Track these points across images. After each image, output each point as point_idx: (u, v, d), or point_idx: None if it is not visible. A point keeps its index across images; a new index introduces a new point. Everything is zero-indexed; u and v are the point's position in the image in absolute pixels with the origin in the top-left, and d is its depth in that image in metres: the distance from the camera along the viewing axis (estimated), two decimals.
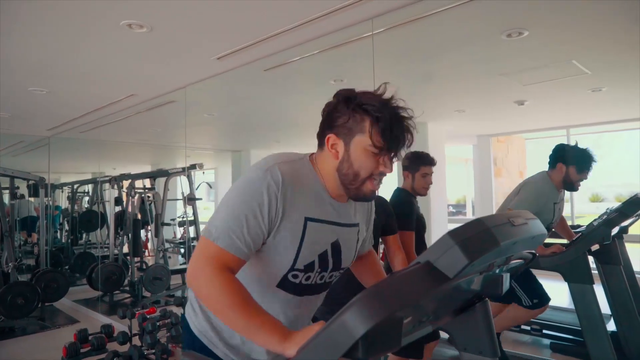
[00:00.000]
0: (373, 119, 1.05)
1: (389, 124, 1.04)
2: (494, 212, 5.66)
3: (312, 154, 1.18)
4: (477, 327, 0.93)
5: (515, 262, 1.00)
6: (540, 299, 2.76)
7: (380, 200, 2.32)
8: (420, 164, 2.54)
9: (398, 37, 2.83)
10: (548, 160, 2.77)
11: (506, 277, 0.98)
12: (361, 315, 0.61)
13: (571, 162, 2.65)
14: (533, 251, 1.03)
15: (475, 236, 0.68)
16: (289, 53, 2.99)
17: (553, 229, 2.91)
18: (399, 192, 2.62)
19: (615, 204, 2.69)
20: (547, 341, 3.43)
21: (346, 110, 1.07)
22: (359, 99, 1.06)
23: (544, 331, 3.51)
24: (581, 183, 2.70)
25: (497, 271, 0.94)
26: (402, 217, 2.47)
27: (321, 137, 1.13)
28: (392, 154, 1.09)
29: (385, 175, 1.11)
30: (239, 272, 1.07)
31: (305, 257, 1.10)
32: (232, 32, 2.71)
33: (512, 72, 3.66)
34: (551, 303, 2.78)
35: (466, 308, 0.94)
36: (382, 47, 2.81)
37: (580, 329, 2.47)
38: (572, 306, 2.54)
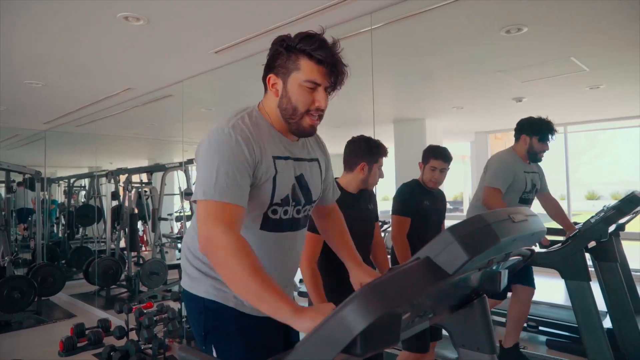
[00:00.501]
0: (307, 55, 1.14)
1: (321, 59, 1.13)
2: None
3: (259, 102, 1.28)
4: (475, 324, 0.93)
5: (513, 258, 1.00)
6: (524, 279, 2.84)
7: (371, 191, 2.34)
8: (430, 157, 2.54)
9: (397, 32, 2.82)
10: (514, 134, 2.90)
11: (504, 274, 0.97)
12: (360, 311, 0.61)
13: (533, 133, 2.77)
14: (532, 248, 1.03)
15: (476, 232, 0.68)
16: None
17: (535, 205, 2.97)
18: (409, 181, 2.63)
19: (612, 202, 2.69)
20: (543, 338, 3.45)
21: (282, 51, 1.17)
22: (293, 40, 1.16)
23: (540, 328, 3.52)
24: (544, 154, 2.82)
25: (496, 267, 0.94)
26: (394, 200, 2.53)
27: (264, 80, 1.24)
28: (326, 88, 1.18)
29: (322, 110, 1.20)
30: None
31: (280, 192, 1.21)
32: (229, 26, 2.69)
33: (510, 68, 3.66)
34: (547, 300, 2.80)
35: (464, 304, 0.94)
36: (380, 42, 2.80)
37: (576, 325, 2.48)
38: (568, 303, 2.54)
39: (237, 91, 4.42)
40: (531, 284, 2.92)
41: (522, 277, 2.87)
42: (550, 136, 2.77)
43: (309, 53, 1.14)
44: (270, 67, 1.21)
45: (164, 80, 3.87)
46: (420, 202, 2.51)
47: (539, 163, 2.95)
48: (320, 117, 1.22)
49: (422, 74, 3.93)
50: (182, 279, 1.33)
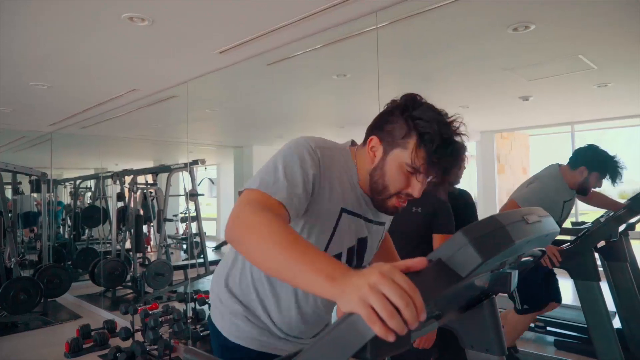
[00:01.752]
0: (419, 138, 0.98)
1: (435, 150, 0.97)
2: (497, 208, 5.64)
3: (355, 145, 1.13)
4: (484, 325, 0.91)
5: (524, 259, 0.99)
6: (531, 306, 2.73)
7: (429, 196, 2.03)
8: None
9: (402, 31, 2.79)
10: (571, 156, 2.64)
11: (514, 275, 0.96)
12: None
13: (597, 169, 2.53)
14: (543, 248, 1.01)
15: (489, 234, 0.66)
16: (292, 47, 2.96)
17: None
18: (466, 193, 2.41)
19: (620, 201, 2.66)
20: (551, 338, 3.42)
21: (399, 118, 1.01)
22: (415, 111, 1.00)
23: (548, 328, 3.49)
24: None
25: (506, 268, 0.92)
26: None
27: (367, 134, 1.08)
28: (428, 178, 1.02)
29: (411, 197, 1.04)
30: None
31: (334, 248, 1.07)
32: (234, 25, 2.68)
33: (517, 67, 3.62)
34: None
35: (473, 305, 0.92)
36: (386, 41, 2.78)
37: (584, 326, 2.46)
38: (575, 303, 2.52)
39: (242, 92, 4.41)
40: (560, 300, 2.86)
41: (556, 293, 2.79)
42: (613, 179, 2.51)
43: (422, 135, 0.97)
44: (378, 128, 1.04)
45: (168, 81, 3.86)
46: None
47: None
48: (406, 201, 1.07)
49: (428, 73, 3.90)
50: (211, 306, 1.25)
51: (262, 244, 0.79)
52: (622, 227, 2.50)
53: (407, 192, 1.03)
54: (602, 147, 2.59)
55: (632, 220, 2.55)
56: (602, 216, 2.55)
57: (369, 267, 0.67)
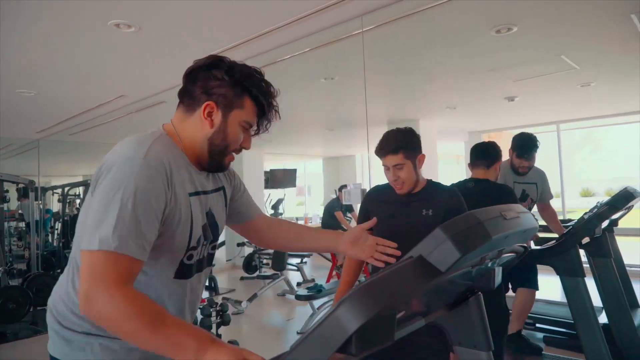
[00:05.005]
0: (253, 98, 1.06)
1: (266, 109, 1.09)
2: None
3: (165, 124, 1.13)
4: (471, 321, 0.93)
5: (507, 255, 1.01)
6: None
7: (451, 191, 1.88)
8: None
9: (388, 34, 2.83)
10: None
11: (498, 271, 0.98)
12: (354, 311, 0.61)
13: (514, 148, 2.94)
14: (524, 244, 1.03)
15: (467, 230, 0.68)
16: (279, 52, 2.98)
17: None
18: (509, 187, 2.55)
19: (606, 198, 2.71)
20: (540, 335, 3.46)
21: (227, 80, 1.04)
22: (241, 73, 1.05)
23: (538, 325, 3.53)
24: (526, 168, 2.92)
25: (489, 265, 0.94)
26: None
27: (193, 101, 1.06)
28: (255, 133, 1.13)
29: (244, 149, 1.13)
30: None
31: (195, 234, 1.06)
32: (220, 31, 2.70)
33: (502, 68, 3.68)
34: (544, 297, 2.83)
35: (460, 302, 0.94)
36: (372, 44, 2.81)
37: (573, 321, 2.49)
38: (565, 300, 2.56)
39: None
40: (533, 286, 3.03)
41: (526, 280, 2.99)
42: (526, 154, 2.87)
43: (256, 96, 1.05)
44: (208, 93, 1.04)
45: (156, 86, 3.86)
46: None
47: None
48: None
49: (415, 75, 3.95)
50: (53, 344, 1.10)
51: (140, 341, 0.86)
52: (605, 224, 2.54)
53: (241, 146, 1.11)
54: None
55: (615, 217, 2.60)
56: (586, 213, 2.60)
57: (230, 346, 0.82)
